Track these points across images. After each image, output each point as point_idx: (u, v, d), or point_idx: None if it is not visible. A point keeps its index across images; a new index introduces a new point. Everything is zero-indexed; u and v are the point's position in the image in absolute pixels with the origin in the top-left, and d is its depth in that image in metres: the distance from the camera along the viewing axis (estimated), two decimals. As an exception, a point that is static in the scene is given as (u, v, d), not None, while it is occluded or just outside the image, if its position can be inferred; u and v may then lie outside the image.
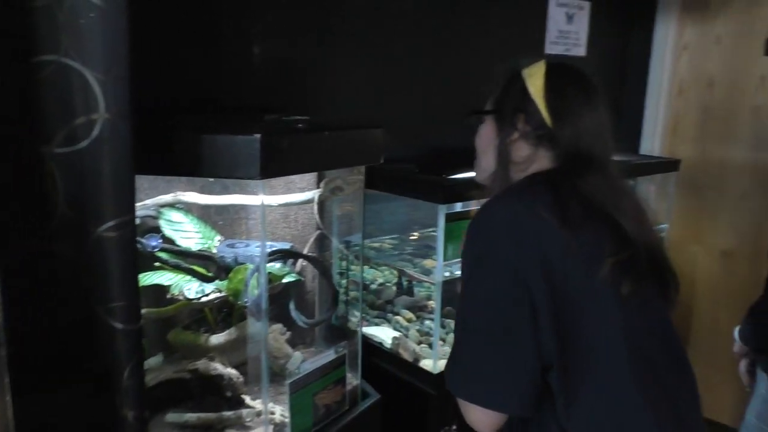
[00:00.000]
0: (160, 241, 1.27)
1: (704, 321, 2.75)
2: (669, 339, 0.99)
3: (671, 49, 2.76)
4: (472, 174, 1.82)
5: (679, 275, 1.03)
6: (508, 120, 1.05)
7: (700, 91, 2.70)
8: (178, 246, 1.38)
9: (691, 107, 2.74)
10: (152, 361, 1.46)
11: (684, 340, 2.83)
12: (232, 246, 1.51)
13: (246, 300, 1.26)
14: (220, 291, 1.33)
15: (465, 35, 2.20)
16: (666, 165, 2.54)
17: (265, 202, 1.45)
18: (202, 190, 1.52)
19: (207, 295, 1.31)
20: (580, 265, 0.92)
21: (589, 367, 0.90)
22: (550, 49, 2.55)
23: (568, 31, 2.59)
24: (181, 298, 1.29)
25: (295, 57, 1.76)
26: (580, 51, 2.66)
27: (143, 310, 1.37)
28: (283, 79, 1.74)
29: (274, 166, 1.11)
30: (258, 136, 1.07)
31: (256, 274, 1.27)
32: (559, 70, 1.05)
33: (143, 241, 1.25)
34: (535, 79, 1.03)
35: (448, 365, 0.97)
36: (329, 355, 1.35)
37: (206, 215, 1.57)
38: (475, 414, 0.93)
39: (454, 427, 1.09)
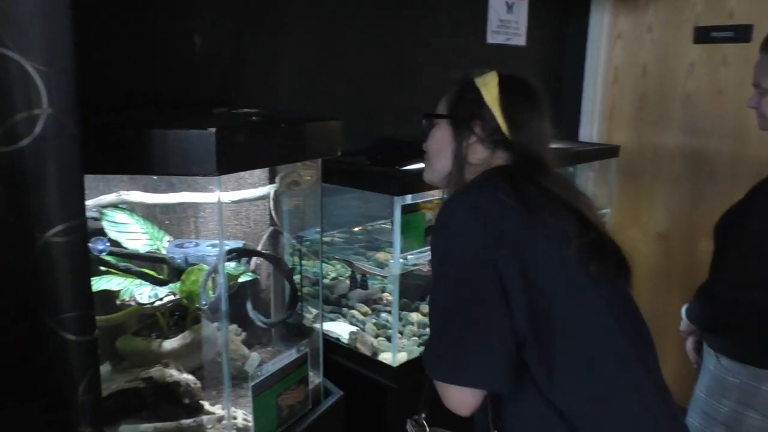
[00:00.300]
0: (108, 244, 1.20)
1: (643, 302, 2.84)
2: (634, 312, 1.07)
3: (606, 38, 2.84)
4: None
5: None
6: (465, 125, 1.10)
7: (635, 79, 2.79)
8: (125, 248, 1.30)
9: (626, 94, 2.83)
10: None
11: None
12: (181, 246, 1.44)
13: (204, 302, 1.21)
14: (174, 294, 1.27)
15: (410, 25, 2.19)
16: (607, 151, 2.62)
17: (222, 200, 1.39)
18: (146, 189, 1.44)
19: (161, 299, 1.24)
20: (547, 245, 0.98)
21: (567, 338, 0.95)
22: (492, 38, 2.57)
23: (508, 20, 2.62)
24: (132, 303, 1.22)
25: (238, 48, 1.69)
26: (521, 40, 2.70)
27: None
28: (226, 71, 1.68)
29: (230, 161, 1.06)
30: (213, 130, 1.02)
31: (212, 274, 1.22)
32: (512, 82, 1.11)
33: (89, 244, 1.17)
34: (489, 88, 1.09)
35: (427, 353, 0.99)
36: (291, 355, 1.31)
37: (151, 215, 1.49)
38: (457, 396, 0.94)
39: (423, 416, 1.09)
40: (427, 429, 1.08)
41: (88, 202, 1.36)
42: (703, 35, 2.57)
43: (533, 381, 0.95)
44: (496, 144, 1.09)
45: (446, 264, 0.98)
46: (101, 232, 1.32)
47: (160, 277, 1.31)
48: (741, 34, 2.47)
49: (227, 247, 1.45)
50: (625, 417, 0.95)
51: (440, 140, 1.14)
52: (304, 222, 1.61)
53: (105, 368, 1.42)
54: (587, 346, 0.96)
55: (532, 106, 1.10)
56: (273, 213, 1.42)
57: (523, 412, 0.98)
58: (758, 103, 1.43)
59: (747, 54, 2.49)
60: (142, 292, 1.23)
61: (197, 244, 1.46)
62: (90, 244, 1.17)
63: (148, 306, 1.24)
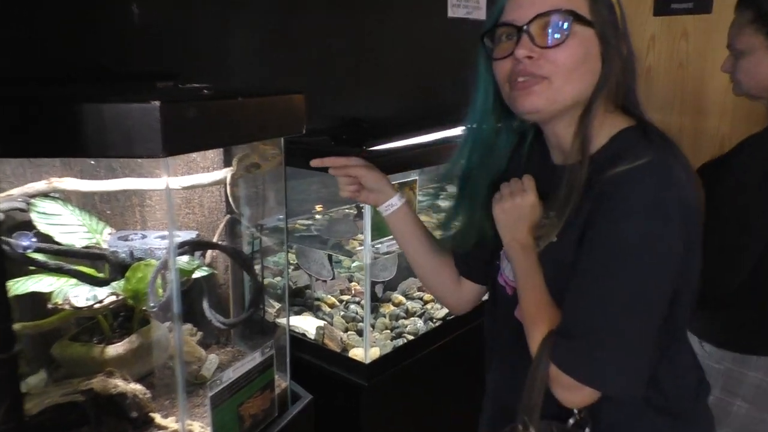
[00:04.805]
0: (34, 239, 1.02)
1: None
2: None
3: (569, 12, 2.76)
4: (392, 145, 1.70)
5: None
6: (616, 40, 0.87)
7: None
8: (58, 244, 1.13)
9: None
10: (32, 381, 1.21)
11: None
12: (125, 239, 1.28)
13: (152, 304, 1.05)
14: (117, 295, 1.11)
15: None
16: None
17: (171, 185, 1.24)
18: (82, 175, 1.27)
19: (101, 301, 1.08)
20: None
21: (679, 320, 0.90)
22: (453, 12, 2.49)
23: (468, -7, 2.53)
24: (66, 306, 1.05)
25: (183, 19, 1.52)
26: (481, 14, 2.62)
27: (16, 325, 1.12)
28: (170, 44, 1.50)
29: (178, 140, 0.91)
30: (157, 103, 0.86)
31: (161, 270, 1.06)
32: None
33: (11, 240, 1.00)
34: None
35: (570, 349, 0.83)
36: (255, 359, 1.17)
37: (89, 204, 1.32)
38: (588, 397, 0.83)
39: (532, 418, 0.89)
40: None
41: (14, 191, 1.19)
42: (663, 7, 2.55)
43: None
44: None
45: (634, 257, 0.80)
46: (29, 225, 1.15)
47: (100, 275, 1.15)
48: (701, 5, 2.44)
49: (179, 239, 1.29)
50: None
51: (583, 51, 0.85)
52: (268, 208, 1.46)
53: (40, 377, 1.25)
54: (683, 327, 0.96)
55: None
56: (230, 199, 1.27)
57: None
58: (732, 66, 1.35)
59: (707, 26, 2.46)
60: (78, 294, 1.06)
61: (144, 236, 1.31)
62: (12, 240, 1.00)
63: (85, 309, 1.07)
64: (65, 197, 1.26)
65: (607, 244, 0.82)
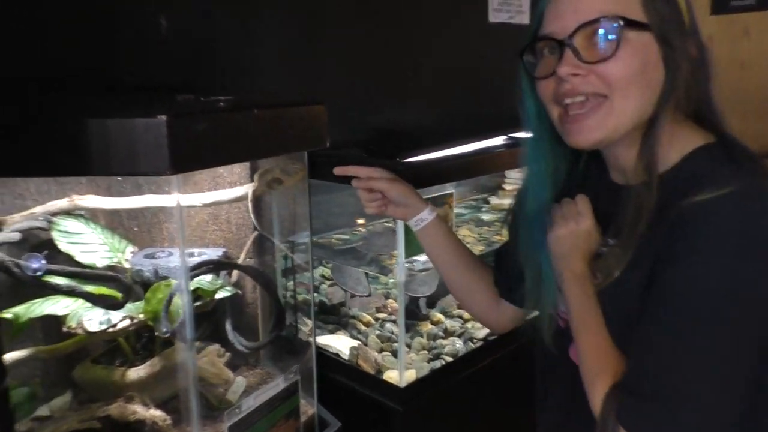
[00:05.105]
0: (44, 262, 0.99)
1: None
2: None
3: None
4: (427, 156, 1.62)
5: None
6: (680, 41, 0.74)
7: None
8: (78, 263, 1.10)
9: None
10: (57, 403, 1.19)
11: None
12: (151, 256, 1.24)
13: (164, 329, 1.00)
14: (132, 318, 1.06)
15: (406, 2, 1.98)
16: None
17: (186, 203, 1.20)
18: (110, 192, 1.25)
19: (114, 325, 1.03)
20: None
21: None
22: (494, 17, 2.37)
23: (510, -3, 2.42)
24: (80, 331, 1.02)
25: (210, 29, 1.48)
26: (524, 18, 2.50)
27: (26, 351, 1.08)
28: (195, 55, 1.46)
29: (188, 156, 0.86)
30: (164, 117, 0.81)
31: (177, 293, 1.01)
32: None
33: (22, 263, 0.97)
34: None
35: (636, 405, 0.70)
36: (278, 385, 1.10)
37: (116, 222, 1.29)
38: None
39: None
40: None
41: (37, 209, 1.17)
42: (722, 5, 2.40)
43: None
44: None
45: (720, 307, 0.68)
46: (51, 245, 1.12)
47: (119, 295, 1.10)
48: (763, 1, 2.27)
49: (204, 257, 1.25)
50: None
51: (639, 60, 0.73)
52: (294, 224, 1.41)
53: (65, 400, 1.22)
54: None
55: None
56: (252, 216, 1.21)
57: None
58: None
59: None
60: (92, 318, 1.02)
61: (170, 254, 1.27)
62: (22, 262, 0.97)
63: (99, 334, 1.03)
64: (91, 215, 1.23)
65: (686, 289, 0.68)
